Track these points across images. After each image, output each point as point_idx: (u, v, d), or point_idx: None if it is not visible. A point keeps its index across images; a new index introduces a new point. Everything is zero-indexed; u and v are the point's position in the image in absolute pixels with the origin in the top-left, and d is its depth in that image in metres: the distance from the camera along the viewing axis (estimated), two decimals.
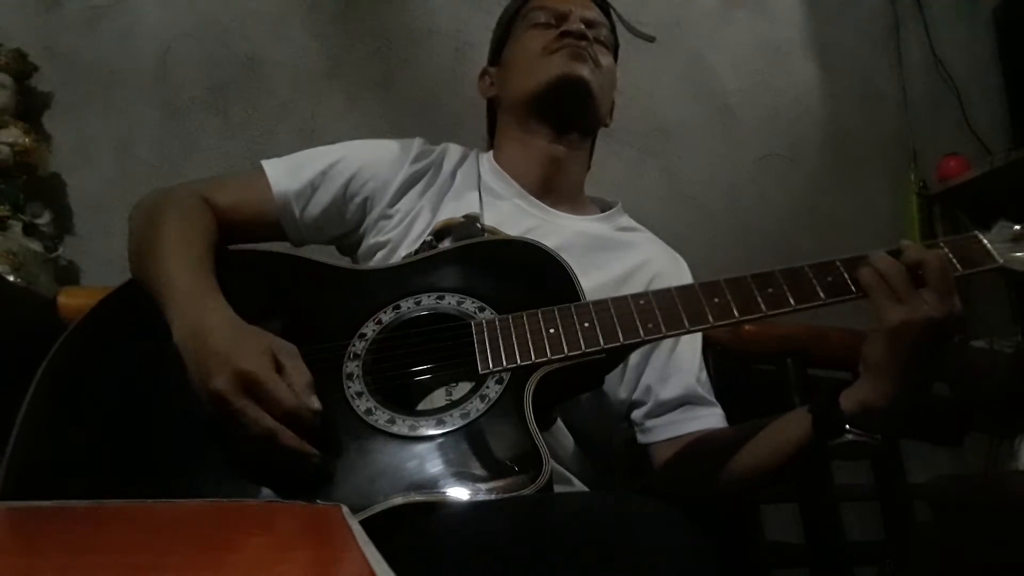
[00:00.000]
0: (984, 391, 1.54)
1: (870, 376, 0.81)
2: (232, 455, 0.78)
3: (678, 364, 1.05)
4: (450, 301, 0.89)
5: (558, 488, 0.77)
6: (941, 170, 2.15)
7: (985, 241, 0.85)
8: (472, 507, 0.70)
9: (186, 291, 0.86)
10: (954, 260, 0.84)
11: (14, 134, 1.53)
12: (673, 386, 1.04)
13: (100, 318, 0.92)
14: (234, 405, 0.75)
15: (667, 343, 1.04)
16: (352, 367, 0.83)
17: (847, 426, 0.81)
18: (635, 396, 1.05)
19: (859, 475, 1.40)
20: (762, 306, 0.82)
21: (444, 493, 0.71)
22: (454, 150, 1.17)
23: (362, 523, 0.67)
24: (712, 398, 1.06)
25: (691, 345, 1.07)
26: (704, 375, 1.08)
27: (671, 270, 1.13)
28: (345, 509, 0.56)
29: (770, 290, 0.83)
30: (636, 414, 1.05)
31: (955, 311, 0.78)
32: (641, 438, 1.04)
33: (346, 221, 1.10)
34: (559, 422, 0.97)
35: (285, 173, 1.07)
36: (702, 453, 0.98)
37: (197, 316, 0.83)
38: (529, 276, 0.91)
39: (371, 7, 1.91)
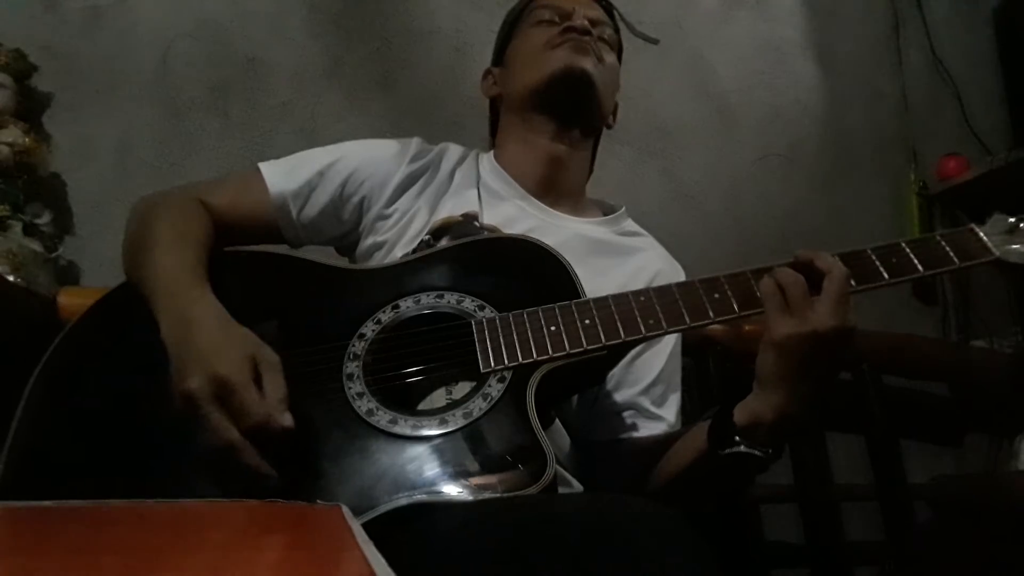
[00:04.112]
0: (984, 391, 1.54)
1: (760, 388, 0.82)
2: (198, 452, 0.75)
3: (633, 375, 1.05)
4: (449, 300, 0.88)
5: (558, 488, 0.76)
6: (941, 170, 2.16)
7: (981, 234, 0.86)
8: (475, 507, 0.70)
9: (173, 283, 0.85)
10: (951, 253, 0.84)
11: (14, 134, 1.53)
12: (621, 392, 1.04)
13: (97, 318, 0.92)
14: (202, 410, 0.73)
15: (632, 352, 1.03)
16: (352, 367, 0.83)
17: (737, 437, 0.82)
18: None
19: (859, 475, 1.40)
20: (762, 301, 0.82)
21: (447, 493, 0.71)
22: (453, 150, 1.17)
23: (364, 525, 0.67)
24: (661, 412, 1.05)
25: (654, 359, 1.07)
26: (661, 390, 1.06)
27: (668, 273, 1.13)
28: (345, 509, 0.56)
29: None
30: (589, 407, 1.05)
31: (843, 328, 0.78)
32: (585, 434, 1.04)
33: (343, 221, 1.09)
34: (557, 422, 0.97)
35: (282, 174, 1.06)
36: (632, 459, 1.00)
37: (182, 308, 0.82)
38: (529, 274, 0.91)
39: (371, 7, 1.90)
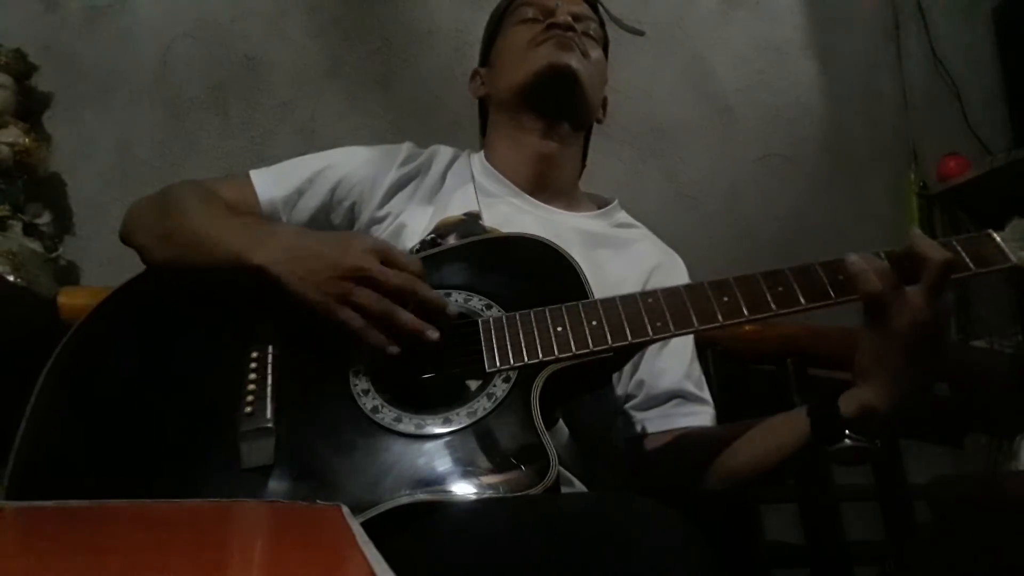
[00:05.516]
0: (984, 391, 1.53)
1: (867, 380, 0.80)
2: (340, 341, 0.82)
3: (669, 359, 1.05)
4: (457, 298, 0.88)
5: (561, 489, 0.76)
6: (941, 170, 2.16)
7: (998, 239, 0.83)
8: (477, 506, 0.70)
9: (241, 226, 0.90)
10: (967, 259, 0.83)
11: (14, 134, 1.54)
12: (663, 381, 1.04)
13: (105, 316, 0.92)
14: (374, 270, 0.81)
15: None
16: (358, 365, 0.83)
17: (846, 431, 0.81)
18: (628, 390, 1.05)
19: (859, 475, 1.40)
20: (772, 305, 0.81)
21: (450, 492, 0.71)
22: (444, 152, 1.17)
23: (366, 523, 0.67)
24: (704, 395, 1.06)
25: (683, 341, 1.07)
26: (697, 371, 1.07)
27: (668, 264, 1.13)
28: (345, 509, 0.56)
29: (780, 288, 0.82)
30: (627, 407, 1.05)
31: (942, 309, 0.78)
32: (629, 431, 1.04)
33: (335, 227, 1.09)
34: (560, 422, 0.97)
35: (272, 181, 1.07)
36: (690, 448, 0.98)
37: (265, 237, 0.87)
38: (536, 273, 0.91)
39: (371, 7, 1.91)
